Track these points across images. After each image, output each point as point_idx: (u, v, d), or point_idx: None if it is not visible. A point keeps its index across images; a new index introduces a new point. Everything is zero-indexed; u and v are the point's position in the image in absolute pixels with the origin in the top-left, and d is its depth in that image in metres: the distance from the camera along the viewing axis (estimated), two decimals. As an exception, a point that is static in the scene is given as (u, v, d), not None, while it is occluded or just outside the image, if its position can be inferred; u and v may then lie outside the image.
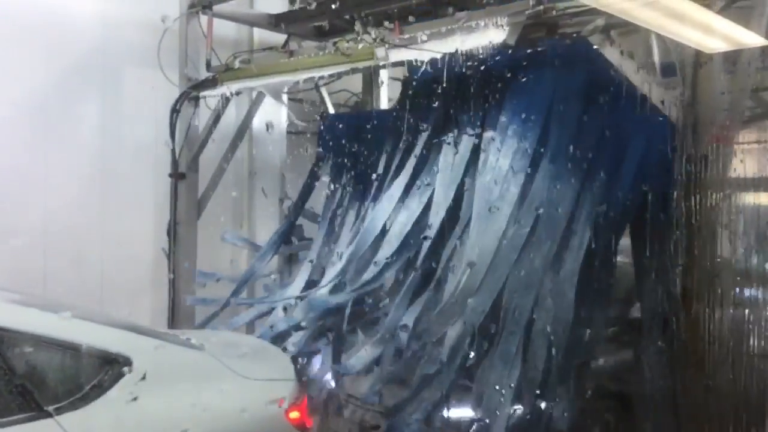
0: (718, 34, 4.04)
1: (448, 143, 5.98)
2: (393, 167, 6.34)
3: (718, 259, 4.63)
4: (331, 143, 7.11)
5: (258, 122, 7.47)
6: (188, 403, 3.73)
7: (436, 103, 6.19)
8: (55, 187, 6.43)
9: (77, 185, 6.65)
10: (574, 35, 4.71)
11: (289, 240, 7.60)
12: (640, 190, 5.03)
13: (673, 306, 4.71)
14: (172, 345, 3.98)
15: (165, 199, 6.86)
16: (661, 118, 4.74)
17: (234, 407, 3.87)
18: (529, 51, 5.51)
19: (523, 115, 5.59)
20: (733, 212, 4.62)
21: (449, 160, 5.90)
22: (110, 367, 3.58)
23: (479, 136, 5.78)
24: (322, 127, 7.29)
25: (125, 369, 3.59)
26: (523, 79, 5.69)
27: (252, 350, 4.55)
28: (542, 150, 5.43)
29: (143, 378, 3.63)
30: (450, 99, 6.10)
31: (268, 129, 7.09)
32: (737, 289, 5.60)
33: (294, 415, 4.04)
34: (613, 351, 5.45)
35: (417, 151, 6.17)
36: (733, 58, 4.57)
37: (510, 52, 5.29)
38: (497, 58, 5.58)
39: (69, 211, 6.54)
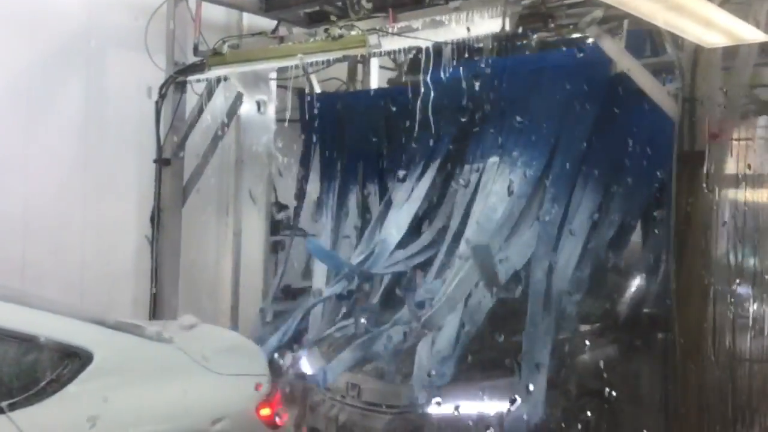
0: (718, 28, 3.96)
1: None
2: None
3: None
4: (316, 125, 6.99)
5: (246, 108, 7.34)
6: (153, 399, 3.60)
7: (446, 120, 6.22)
8: (35, 172, 6.27)
9: (58, 171, 6.49)
10: (571, 26, 4.62)
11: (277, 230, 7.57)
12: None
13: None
14: (138, 338, 3.83)
15: (149, 186, 6.72)
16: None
17: (201, 403, 3.75)
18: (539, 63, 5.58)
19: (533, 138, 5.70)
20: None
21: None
22: (70, 361, 3.43)
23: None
24: (306, 110, 7.14)
25: (86, 363, 3.45)
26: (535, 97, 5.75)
27: (226, 344, 4.41)
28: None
29: (105, 373, 3.49)
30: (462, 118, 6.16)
31: (259, 108, 6.94)
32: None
33: (265, 411, 3.92)
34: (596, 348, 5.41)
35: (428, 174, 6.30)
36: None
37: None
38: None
39: (49, 198, 6.39)
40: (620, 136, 5.26)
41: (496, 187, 5.68)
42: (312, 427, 5.44)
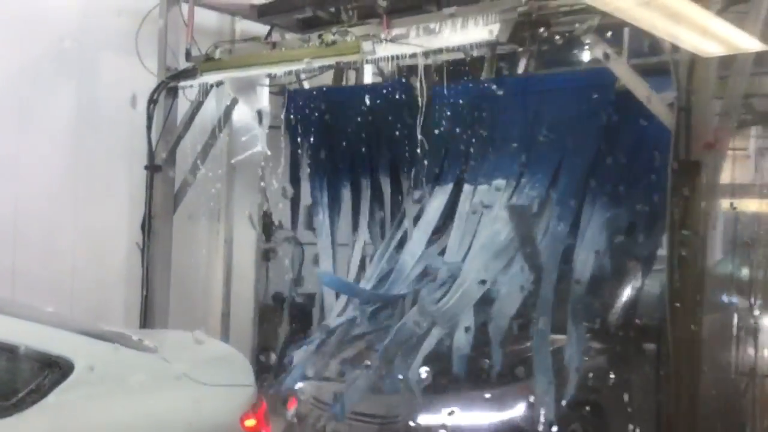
0: (715, 37, 3.94)
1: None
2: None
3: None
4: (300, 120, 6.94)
5: (238, 115, 7.30)
6: (135, 410, 3.53)
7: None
8: (26, 177, 6.22)
9: (49, 176, 6.43)
10: (566, 34, 4.59)
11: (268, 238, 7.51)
12: None
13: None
14: (121, 347, 3.75)
15: (140, 192, 6.66)
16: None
17: (185, 414, 3.68)
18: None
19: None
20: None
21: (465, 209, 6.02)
22: (50, 371, 3.36)
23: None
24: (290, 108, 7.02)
25: (66, 373, 3.37)
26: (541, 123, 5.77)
27: (212, 354, 4.35)
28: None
29: (86, 383, 3.41)
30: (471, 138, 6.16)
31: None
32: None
33: (250, 423, 3.84)
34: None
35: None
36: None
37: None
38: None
39: (40, 203, 6.32)
40: (625, 155, 5.29)
41: (502, 212, 5.71)
42: None
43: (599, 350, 5.53)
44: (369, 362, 5.31)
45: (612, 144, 5.50)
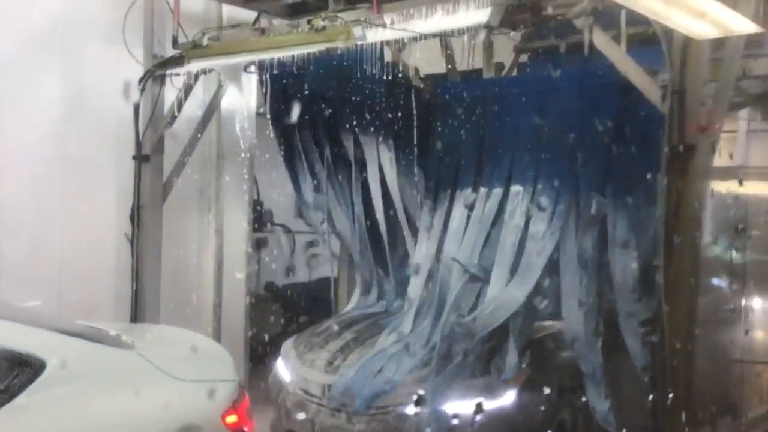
0: (709, 19, 3.91)
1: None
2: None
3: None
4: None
5: (226, 103, 7.22)
6: (109, 409, 3.44)
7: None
8: (11, 168, 6.11)
9: (35, 166, 6.33)
10: (559, 18, 4.55)
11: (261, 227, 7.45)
12: None
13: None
14: (94, 344, 3.67)
15: (128, 182, 6.57)
16: None
17: (162, 412, 3.58)
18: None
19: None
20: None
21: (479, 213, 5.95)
22: (20, 370, 3.26)
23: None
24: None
25: (38, 372, 3.28)
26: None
27: (192, 349, 4.25)
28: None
29: (58, 382, 3.32)
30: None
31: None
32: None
33: (231, 419, 3.77)
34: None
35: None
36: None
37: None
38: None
39: (27, 194, 6.23)
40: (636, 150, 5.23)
41: (519, 220, 5.68)
42: (288, 429, 5.35)
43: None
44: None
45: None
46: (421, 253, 6.27)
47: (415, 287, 6.12)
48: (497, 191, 5.90)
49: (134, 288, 6.47)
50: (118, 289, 6.71)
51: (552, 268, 5.42)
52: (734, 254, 6.17)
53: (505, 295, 5.36)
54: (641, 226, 5.19)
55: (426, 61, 6.73)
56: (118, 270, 6.71)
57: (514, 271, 5.51)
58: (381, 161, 6.60)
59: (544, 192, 5.64)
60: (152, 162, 6.57)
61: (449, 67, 6.87)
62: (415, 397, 4.84)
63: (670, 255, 4.42)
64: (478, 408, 4.82)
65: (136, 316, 6.40)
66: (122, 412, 3.46)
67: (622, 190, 5.29)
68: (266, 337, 7.35)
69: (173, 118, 6.60)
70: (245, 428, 3.84)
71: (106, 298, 6.72)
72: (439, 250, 6.13)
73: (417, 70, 6.67)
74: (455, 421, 4.77)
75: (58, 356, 3.40)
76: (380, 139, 6.56)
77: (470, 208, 6.03)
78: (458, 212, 6.11)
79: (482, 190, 6.02)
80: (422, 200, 6.50)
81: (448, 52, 6.79)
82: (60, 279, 6.37)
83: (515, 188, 5.80)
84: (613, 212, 5.28)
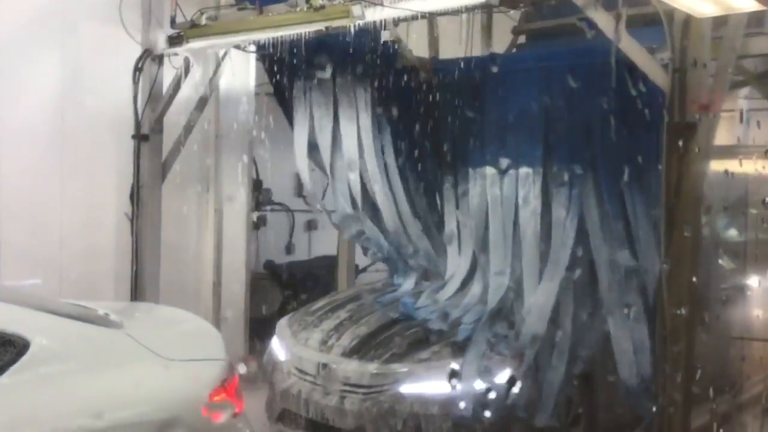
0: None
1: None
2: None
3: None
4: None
5: (225, 82, 7.19)
6: (95, 389, 3.38)
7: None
8: (10, 149, 6.11)
9: (35, 147, 6.32)
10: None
11: (258, 206, 7.42)
12: None
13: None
14: (80, 324, 3.62)
15: (128, 162, 6.58)
16: None
17: (149, 392, 3.53)
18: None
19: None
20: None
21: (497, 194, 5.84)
22: (3, 350, 3.22)
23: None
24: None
25: (21, 352, 3.23)
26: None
27: (181, 328, 4.22)
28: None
29: (43, 362, 3.27)
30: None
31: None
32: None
33: (220, 398, 3.71)
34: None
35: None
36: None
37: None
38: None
39: (26, 175, 6.23)
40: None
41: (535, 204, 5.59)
42: (282, 408, 5.36)
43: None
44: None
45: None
46: (451, 225, 6.28)
47: (452, 256, 6.17)
48: (512, 173, 5.80)
49: (134, 267, 6.49)
50: (118, 269, 6.73)
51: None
52: (734, 233, 6.20)
53: (540, 296, 5.33)
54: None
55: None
56: (118, 249, 6.73)
57: (543, 261, 5.47)
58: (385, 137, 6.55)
59: (558, 174, 5.55)
60: (151, 141, 6.58)
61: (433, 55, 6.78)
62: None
63: (670, 234, 4.43)
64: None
65: (136, 295, 6.42)
66: (108, 391, 3.41)
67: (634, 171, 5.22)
68: (266, 314, 7.37)
69: (171, 97, 6.57)
70: (234, 407, 3.80)
71: (106, 277, 6.74)
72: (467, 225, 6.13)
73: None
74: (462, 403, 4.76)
75: (43, 335, 3.36)
76: (380, 113, 6.46)
77: (489, 187, 5.96)
78: (477, 190, 6.06)
79: (494, 170, 5.93)
80: (442, 176, 6.44)
81: (435, 35, 6.72)
82: (60, 258, 6.39)
83: (524, 170, 5.71)
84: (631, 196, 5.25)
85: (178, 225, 7.07)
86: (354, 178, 6.38)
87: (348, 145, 6.37)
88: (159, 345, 3.69)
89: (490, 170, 5.96)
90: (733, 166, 5.79)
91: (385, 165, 6.41)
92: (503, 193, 5.83)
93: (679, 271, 4.41)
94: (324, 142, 6.42)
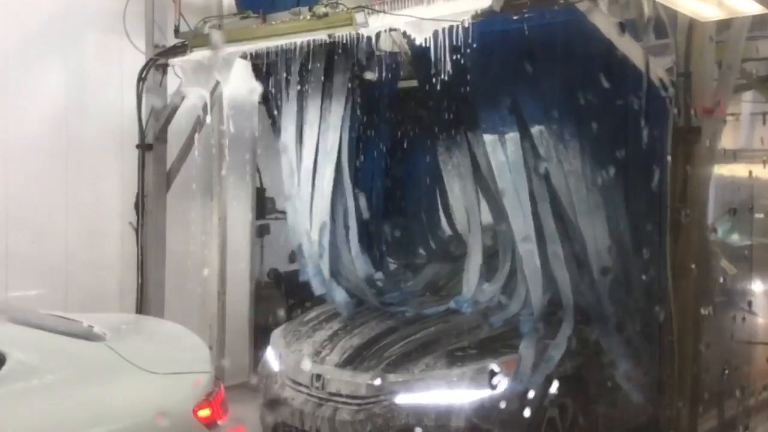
0: (713, 1, 3.91)
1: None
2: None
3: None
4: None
5: (228, 91, 7.19)
6: (74, 404, 3.29)
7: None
8: (16, 158, 6.12)
9: (39, 156, 6.32)
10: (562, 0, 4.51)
11: (263, 214, 7.40)
12: None
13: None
14: (60, 337, 3.53)
15: (132, 172, 6.61)
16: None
17: (129, 407, 3.43)
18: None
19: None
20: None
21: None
22: None
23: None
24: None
25: None
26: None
27: (167, 340, 4.14)
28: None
29: (20, 376, 3.18)
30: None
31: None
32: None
33: (204, 413, 3.61)
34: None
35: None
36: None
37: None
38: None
39: (31, 184, 6.23)
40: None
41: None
42: (277, 420, 5.31)
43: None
44: None
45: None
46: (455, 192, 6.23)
47: (474, 236, 6.14)
48: (512, 135, 5.53)
49: (139, 276, 6.51)
50: (123, 278, 6.74)
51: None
52: (740, 237, 6.19)
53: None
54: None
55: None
56: (123, 258, 6.73)
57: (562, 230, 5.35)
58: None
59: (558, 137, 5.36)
60: (155, 151, 6.61)
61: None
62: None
63: (676, 237, 4.43)
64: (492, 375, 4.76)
65: (141, 304, 6.43)
66: (87, 406, 3.32)
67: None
68: (271, 323, 7.34)
69: (176, 106, 6.59)
70: (219, 422, 3.68)
71: (111, 286, 6.74)
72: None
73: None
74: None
75: (20, 349, 3.29)
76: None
77: (491, 150, 5.70)
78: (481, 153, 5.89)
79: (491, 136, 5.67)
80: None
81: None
82: (66, 268, 6.39)
83: (511, 135, 5.50)
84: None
85: (182, 234, 7.07)
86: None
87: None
88: (142, 358, 3.61)
89: (488, 136, 5.68)
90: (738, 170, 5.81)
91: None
92: (509, 157, 5.57)
93: (684, 273, 4.41)
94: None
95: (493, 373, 4.76)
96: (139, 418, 3.43)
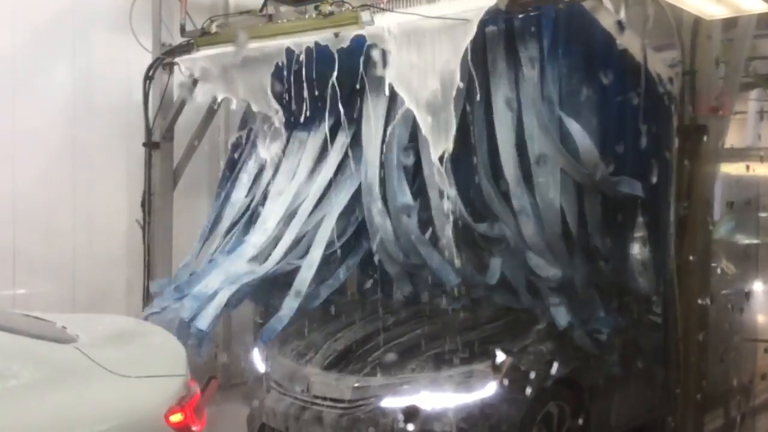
0: (719, -1, 3.90)
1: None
2: None
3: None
4: None
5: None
6: (37, 409, 3.12)
7: None
8: (23, 156, 6.15)
9: (47, 155, 6.37)
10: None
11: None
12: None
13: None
14: (26, 338, 3.39)
15: (139, 169, 6.64)
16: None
17: (96, 411, 3.27)
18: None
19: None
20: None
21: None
22: None
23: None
24: None
25: None
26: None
27: (142, 342, 4.00)
28: None
29: None
30: None
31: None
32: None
33: (176, 418, 3.43)
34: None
35: None
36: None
37: None
38: None
39: (39, 182, 6.27)
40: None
41: None
42: (262, 423, 5.24)
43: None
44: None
45: None
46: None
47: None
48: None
49: (146, 274, 6.54)
50: (130, 275, 6.76)
51: None
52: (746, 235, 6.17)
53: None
54: None
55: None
56: (130, 256, 6.76)
57: None
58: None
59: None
60: (162, 149, 6.64)
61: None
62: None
63: (681, 236, 4.43)
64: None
65: (148, 302, 6.43)
66: (52, 411, 3.16)
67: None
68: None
69: (182, 105, 6.61)
70: (193, 427, 3.52)
71: (118, 284, 6.77)
72: None
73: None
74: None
75: None
76: None
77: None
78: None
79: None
80: None
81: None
82: (73, 266, 6.42)
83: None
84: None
85: (189, 232, 7.08)
86: None
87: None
88: (113, 360, 3.46)
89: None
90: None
91: None
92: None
93: (689, 270, 4.42)
94: None
95: (481, 376, 4.69)
96: (106, 424, 3.28)
